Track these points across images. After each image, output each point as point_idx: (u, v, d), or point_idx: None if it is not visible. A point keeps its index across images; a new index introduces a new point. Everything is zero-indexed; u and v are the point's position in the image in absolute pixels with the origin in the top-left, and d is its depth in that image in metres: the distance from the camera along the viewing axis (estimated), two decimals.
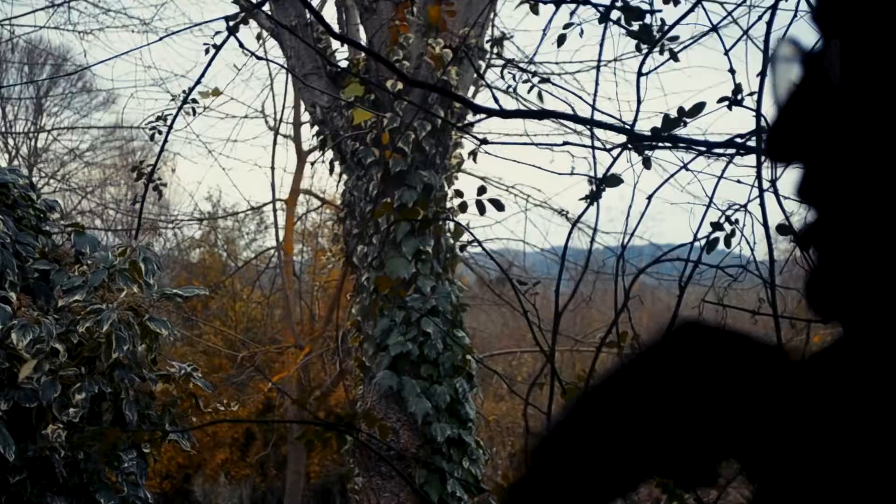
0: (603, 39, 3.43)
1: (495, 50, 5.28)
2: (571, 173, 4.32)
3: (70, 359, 4.55)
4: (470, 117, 6.55)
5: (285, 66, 7.64)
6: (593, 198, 3.11)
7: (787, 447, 0.57)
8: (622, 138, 2.99)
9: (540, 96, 4.01)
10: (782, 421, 0.58)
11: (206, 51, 4.38)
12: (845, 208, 0.56)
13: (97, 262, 4.69)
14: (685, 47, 3.33)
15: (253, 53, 4.80)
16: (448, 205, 6.96)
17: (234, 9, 5.93)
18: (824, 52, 0.57)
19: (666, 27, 3.19)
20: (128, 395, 4.59)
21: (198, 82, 3.79)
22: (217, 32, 4.58)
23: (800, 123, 0.58)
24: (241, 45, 3.83)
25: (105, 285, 4.60)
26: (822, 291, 0.57)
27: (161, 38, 4.04)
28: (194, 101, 4.22)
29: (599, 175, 3.09)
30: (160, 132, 4.58)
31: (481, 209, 3.66)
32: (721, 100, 2.98)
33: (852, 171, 0.55)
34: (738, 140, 2.87)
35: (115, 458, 4.44)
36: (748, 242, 3.20)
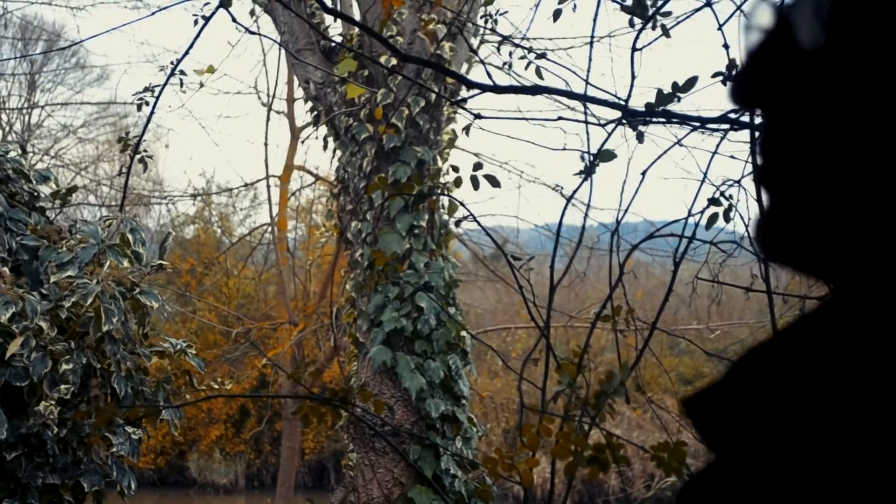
0: (597, 14, 3.41)
1: (488, 24, 5.25)
2: (564, 149, 4.32)
3: (60, 334, 4.54)
4: (463, 93, 6.52)
5: (278, 41, 7.59)
6: (587, 173, 3.10)
7: None
8: (616, 114, 2.98)
9: (538, 72, 3.99)
10: None
11: (195, 22, 4.35)
12: (803, 155, 0.57)
13: (86, 237, 4.67)
14: (679, 22, 3.31)
15: (246, 29, 4.77)
16: (442, 180, 6.94)
17: None
18: (795, 8, 0.57)
19: (660, 2, 3.17)
20: (119, 369, 4.58)
21: (186, 53, 3.77)
22: (206, 3, 4.54)
23: (767, 74, 0.59)
24: (234, 20, 3.79)
25: (96, 260, 4.59)
26: (775, 234, 0.59)
27: (153, 13, 4.01)
28: (182, 72, 4.19)
29: (593, 151, 3.09)
30: (147, 103, 4.55)
31: (475, 185, 3.65)
32: (715, 75, 2.96)
33: (814, 124, 0.56)
34: (732, 116, 2.86)
35: (108, 436, 4.44)
36: (742, 218, 3.20)
